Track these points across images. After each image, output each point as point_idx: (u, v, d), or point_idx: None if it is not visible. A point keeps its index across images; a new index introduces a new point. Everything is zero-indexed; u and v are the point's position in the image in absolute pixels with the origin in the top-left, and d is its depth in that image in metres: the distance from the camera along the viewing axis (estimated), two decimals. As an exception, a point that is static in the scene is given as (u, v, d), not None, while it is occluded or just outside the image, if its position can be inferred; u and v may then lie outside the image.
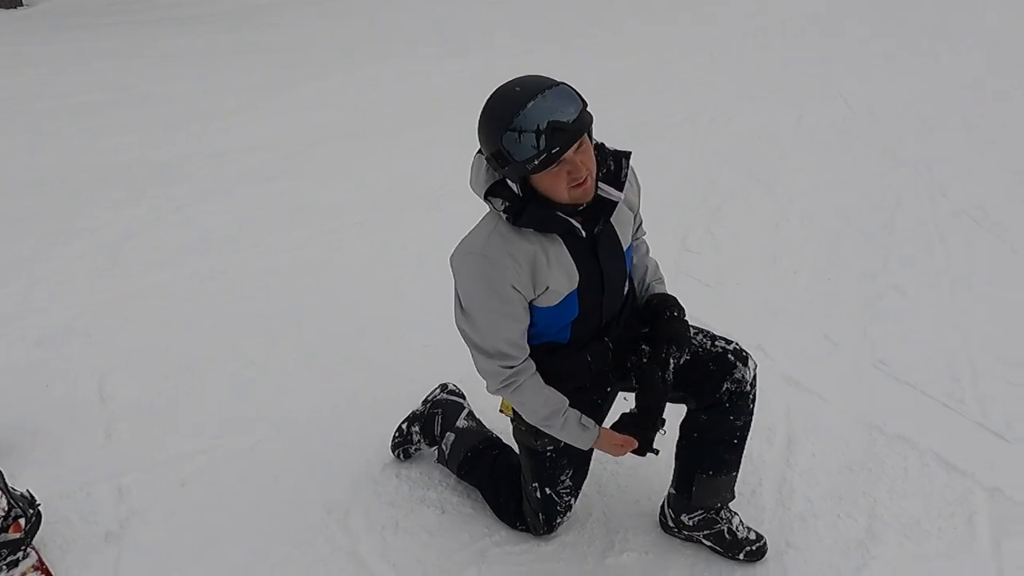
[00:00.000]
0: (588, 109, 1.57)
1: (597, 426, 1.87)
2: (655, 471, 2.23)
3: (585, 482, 2.08)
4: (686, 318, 1.88)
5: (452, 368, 2.61)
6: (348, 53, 8.24)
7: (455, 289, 1.76)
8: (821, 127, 5.22)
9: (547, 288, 1.72)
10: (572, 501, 2.06)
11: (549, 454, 1.97)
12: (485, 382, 1.84)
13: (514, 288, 1.68)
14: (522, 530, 2.11)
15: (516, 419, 1.98)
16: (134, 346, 3.11)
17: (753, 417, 1.94)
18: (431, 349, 2.93)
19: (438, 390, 2.47)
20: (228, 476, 2.40)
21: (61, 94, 7.04)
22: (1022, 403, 2.48)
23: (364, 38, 8.89)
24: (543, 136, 1.49)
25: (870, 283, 3.31)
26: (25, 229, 4.24)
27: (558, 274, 1.72)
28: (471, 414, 2.37)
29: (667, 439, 1.89)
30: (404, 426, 2.41)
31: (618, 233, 1.79)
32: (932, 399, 2.53)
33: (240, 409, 2.69)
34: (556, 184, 1.59)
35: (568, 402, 1.83)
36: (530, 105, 1.49)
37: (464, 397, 2.45)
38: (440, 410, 2.37)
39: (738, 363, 1.87)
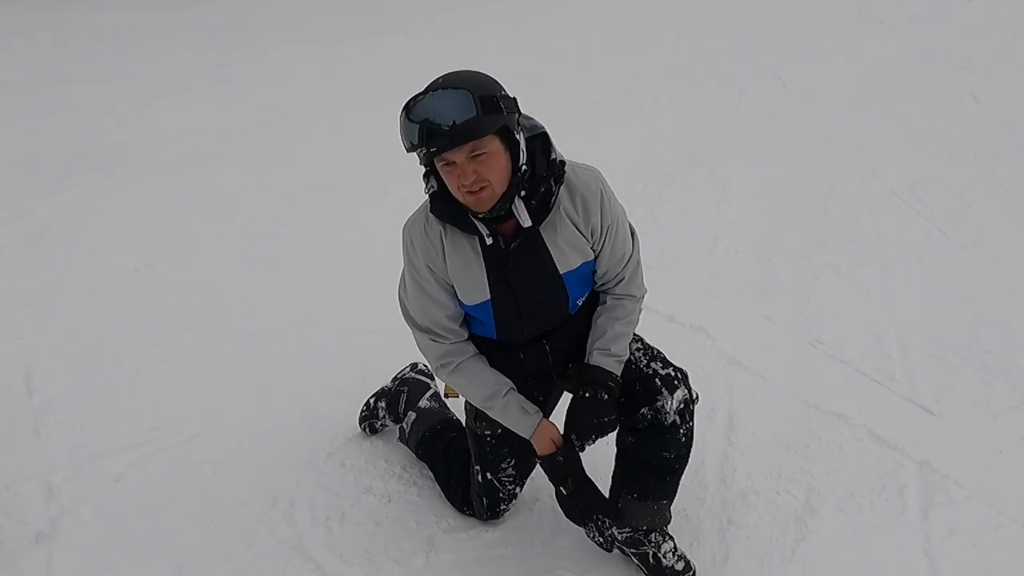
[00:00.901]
0: (502, 117, 1.53)
1: (538, 413, 1.83)
2: (603, 457, 2.25)
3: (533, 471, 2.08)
4: (606, 397, 1.75)
5: (397, 355, 2.58)
6: (287, 32, 8.03)
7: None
8: (760, 110, 5.32)
9: (454, 283, 1.74)
10: (516, 490, 2.05)
11: (488, 439, 1.97)
12: (427, 361, 1.87)
13: (430, 269, 1.73)
14: (469, 514, 2.11)
15: (441, 405, 1.98)
16: (61, 339, 2.98)
17: (690, 452, 1.84)
18: (376, 335, 2.89)
19: (408, 368, 2.47)
20: (165, 470, 2.33)
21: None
22: (948, 378, 2.59)
23: (303, 17, 8.67)
24: (422, 133, 1.50)
25: (807, 263, 3.40)
26: (-60, 217, 4.02)
27: (463, 277, 1.73)
28: (436, 395, 2.36)
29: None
30: (371, 400, 2.42)
31: (551, 253, 1.72)
32: (865, 376, 2.62)
33: (176, 401, 2.62)
34: (451, 184, 1.60)
35: (511, 386, 1.82)
36: (423, 99, 1.52)
37: (432, 378, 2.44)
38: (406, 388, 2.37)
39: (664, 390, 1.77)
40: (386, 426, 2.42)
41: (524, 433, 1.81)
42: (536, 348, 1.87)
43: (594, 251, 1.78)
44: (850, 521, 2.04)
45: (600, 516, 1.86)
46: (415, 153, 1.56)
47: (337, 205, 4.07)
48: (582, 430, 1.76)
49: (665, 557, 1.87)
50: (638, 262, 1.87)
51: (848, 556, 1.94)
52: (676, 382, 1.80)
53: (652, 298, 2.90)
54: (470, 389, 1.84)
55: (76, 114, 5.61)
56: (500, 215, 1.65)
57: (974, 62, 5.99)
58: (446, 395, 2.09)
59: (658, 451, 1.80)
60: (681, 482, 1.87)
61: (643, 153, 4.62)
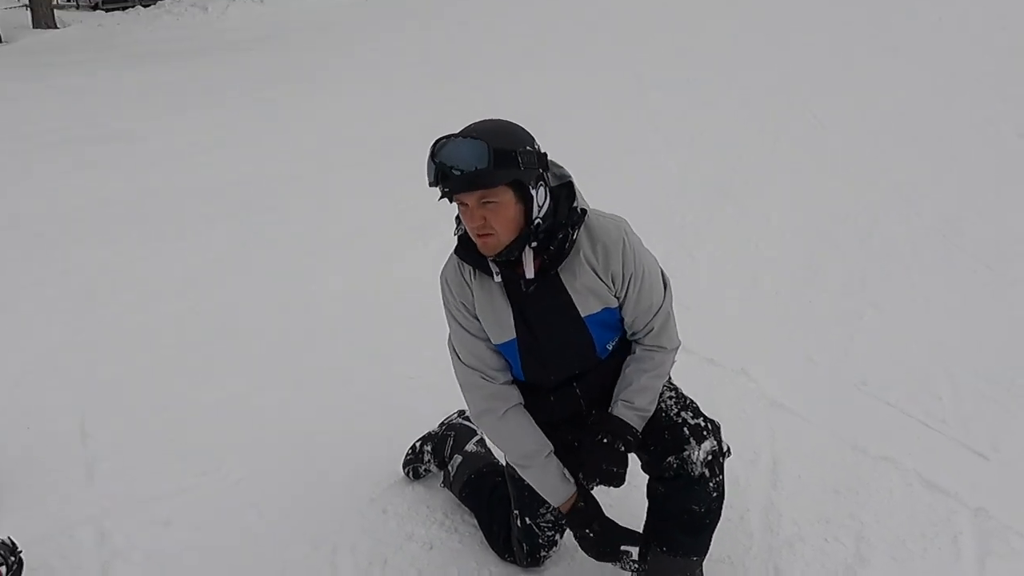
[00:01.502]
0: (515, 172, 1.61)
1: (574, 484, 1.84)
2: (636, 504, 2.23)
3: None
4: (622, 449, 1.76)
5: (439, 401, 2.61)
6: (330, 85, 8.28)
7: None
8: (795, 146, 5.31)
9: (480, 321, 1.81)
10: (556, 536, 2.03)
11: (525, 482, 1.95)
12: (468, 407, 1.92)
13: (465, 307, 1.84)
14: (510, 561, 2.10)
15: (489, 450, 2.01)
16: (115, 384, 3.07)
17: (721, 507, 1.79)
18: (416, 381, 2.92)
19: (455, 414, 2.51)
20: (212, 513, 2.37)
21: (36, 132, 6.99)
22: (1003, 421, 2.51)
23: (346, 71, 8.94)
24: (437, 174, 1.61)
25: (849, 302, 3.35)
26: None
27: (489, 315, 1.80)
28: (482, 441, 2.37)
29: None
30: (417, 444, 2.45)
31: (572, 297, 1.76)
32: (913, 418, 2.56)
33: (223, 445, 2.67)
34: (465, 223, 1.70)
35: (551, 448, 1.84)
36: (446, 144, 1.62)
37: None
38: (453, 433, 2.40)
39: (692, 439, 1.75)
40: (430, 471, 2.43)
41: (556, 501, 1.85)
42: (566, 391, 1.89)
43: (617, 298, 1.80)
44: (902, 569, 1.98)
45: (628, 549, 1.87)
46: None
47: (379, 251, 4.15)
48: (590, 472, 1.78)
49: None
50: (668, 313, 1.86)
51: (901, 606, 1.88)
52: (705, 432, 1.78)
53: (691, 340, 2.91)
54: (511, 442, 1.86)
55: (122, 170, 5.83)
56: (511, 260, 1.72)
57: (1013, 93, 5.91)
58: None
59: (687, 503, 1.76)
60: (715, 537, 1.84)
61: (679, 192, 4.63)
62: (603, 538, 1.83)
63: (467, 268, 1.81)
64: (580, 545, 1.88)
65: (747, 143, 5.42)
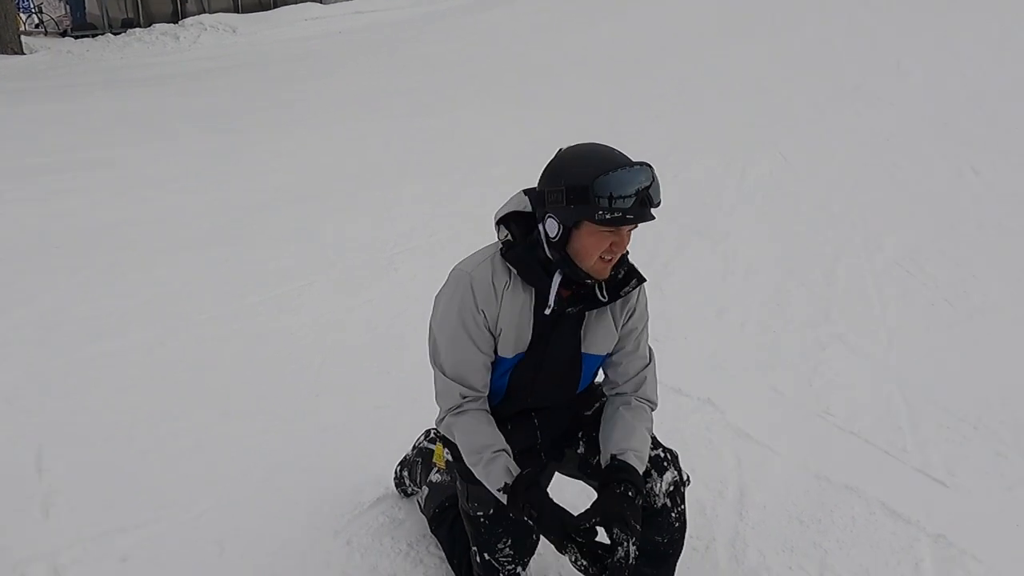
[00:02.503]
0: None
1: (519, 477, 1.75)
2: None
3: (537, 549, 2.05)
4: (639, 503, 1.70)
5: (406, 430, 2.59)
6: (299, 117, 8.30)
7: (438, 296, 1.81)
8: (762, 183, 5.43)
9: (501, 332, 1.76)
10: (518, 569, 1.99)
11: (482, 520, 1.93)
12: (438, 408, 1.85)
13: (484, 314, 1.73)
14: (476, 594, 2.07)
15: (453, 479, 1.95)
16: (73, 417, 3.00)
17: (684, 537, 1.81)
18: (384, 411, 2.90)
19: (422, 437, 2.47)
20: (171, 549, 2.31)
21: (2, 158, 6.91)
22: (960, 449, 2.56)
23: (314, 102, 8.97)
24: (630, 198, 1.57)
25: (813, 333, 3.41)
26: (-40, 297, 4.10)
27: (511, 327, 1.75)
28: (442, 470, 2.34)
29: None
30: (397, 469, 2.46)
31: (585, 334, 1.80)
32: (876, 447, 2.60)
33: (185, 479, 2.61)
34: (594, 247, 1.65)
35: (507, 448, 1.78)
36: (635, 168, 1.60)
37: None
38: (420, 459, 2.38)
39: (653, 471, 1.77)
40: (416, 491, 2.41)
41: (497, 481, 1.75)
42: (526, 424, 1.89)
43: (615, 348, 1.86)
44: (866, 598, 1.99)
45: (578, 538, 1.69)
46: (592, 209, 1.58)
47: (346, 282, 4.14)
48: (612, 518, 1.64)
49: None
50: (655, 368, 1.92)
51: (865, 635, 1.89)
52: (666, 463, 1.79)
53: (659, 370, 2.94)
54: (468, 436, 1.80)
55: (93, 197, 5.76)
56: (586, 283, 1.71)
57: (971, 135, 6.12)
58: (434, 461, 2.09)
59: (650, 535, 1.77)
60: (681, 567, 1.84)
61: (646, 227, 4.69)
62: (545, 521, 1.72)
63: (503, 278, 1.74)
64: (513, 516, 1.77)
65: (715, 179, 5.53)
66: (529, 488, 1.71)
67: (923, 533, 2.19)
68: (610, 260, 1.67)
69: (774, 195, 5.20)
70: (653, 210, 1.62)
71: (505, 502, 1.74)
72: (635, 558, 1.63)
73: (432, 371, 1.84)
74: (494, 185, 5.45)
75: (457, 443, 1.84)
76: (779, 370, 3.13)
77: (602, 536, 1.66)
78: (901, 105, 7.08)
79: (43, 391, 3.19)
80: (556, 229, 1.67)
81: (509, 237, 1.74)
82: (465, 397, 1.80)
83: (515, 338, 1.77)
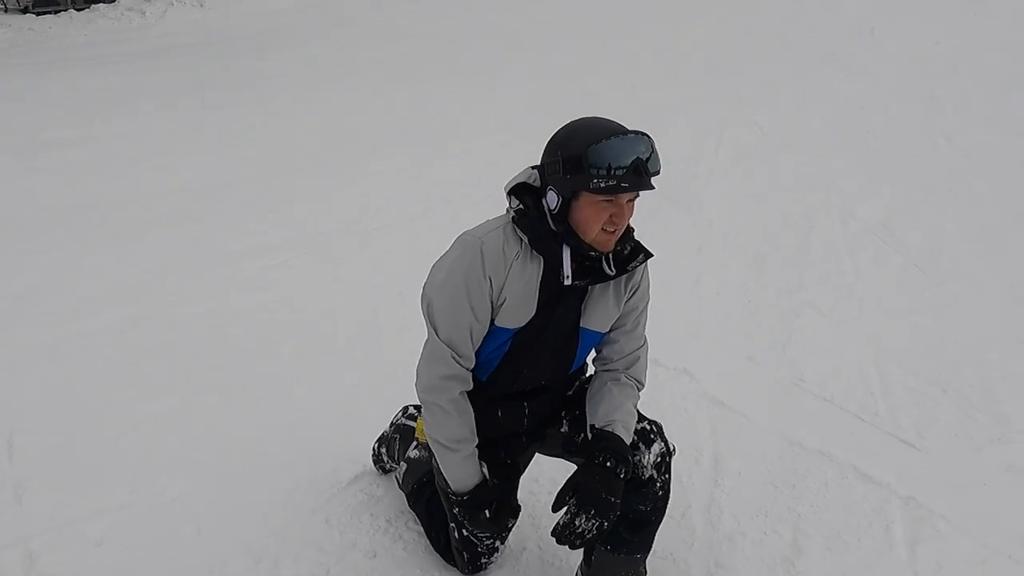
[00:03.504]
0: None
1: (483, 477, 1.86)
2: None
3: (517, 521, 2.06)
4: (622, 476, 1.68)
5: (382, 407, 2.58)
6: (268, 92, 8.15)
7: (440, 262, 1.79)
8: (737, 153, 5.43)
9: (505, 301, 1.74)
10: (496, 543, 2.02)
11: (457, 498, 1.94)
12: (418, 378, 1.83)
13: (490, 281, 1.72)
14: (454, 566, 2.08)
15: (430, 455, 1.97)
16: (44, 401, 2.95)
17: (667, 505, 1.82)
18: (360, 388, 2.89)
19: (399, 413, 2.46)
20: (148, 531, 2.30)
21: (-37, 138, 6.73)
22: (930, 413, 2.61)
23: (284, 77, 8.81)
24: (626, 167, 1.57)
25: (787, 302, 3.44)
26: (-77, 282, 4.01)
27: (518, 296, 1.74)
28: (422, 446, 2.34)
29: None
30: (375, 446, 2.45)
31: (584, 308, 1.79)
32: (848, 413, 2.63)
33: (159, 461, 2.59)
34: (594, 217, 1.65)
35: (475, 445, 1.83)
36: (630, 137, 1.60)
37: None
38: (398, 436, 2.37)
39: (640, 444, 1.77)
40: (394, 467, 2.41)
41: (462, 485, 1.85)
42: (515, 407, 1.89)
43: (614, 325, 1.86)
44: (838, 560, 2.03)
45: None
46: (587, 178, 1.59)
47: (320, 259, 4.10)
48: (586, 500, 1.64)
49: None
50: (647, 353, 1.93)
51: (837, 596, 1.93)
52: (652, 435, 1.80)
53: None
54: (453, 421, 1.80)
55: (62, 176, 5.64)
56: (591, 256, 1.70)
57: (944, 102, 6.16)
58: (416, 437, 2.09)
59: (634, 504, 1.78)
60: (658, 534, 1.86)
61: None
62: (497, 516, 1.87)
63: (514, 247, 1.73)
64: (473, 525, 1.91)
65: (690, 149, 5.52)
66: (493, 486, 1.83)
67: (894, 495, 2.23)
68: (612, 232, 1.67)
69: (750, 164, 5.21)
70: (654, 179, 1.62)
71: (462, 503, 1.84)
72: (594, 535, 1.65)
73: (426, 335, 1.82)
74: (468, 157, 5.41)
75: (433, 427, 1.83)
76: (754, 338, 3.15)
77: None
78: (875, 72, 7.10)
79: (13, 374, 3.14)
80: (556, 201, 1.67)
81: (521, 207, 1.73)
82: (456, 364, 1.77)
83: (519, 308, 1.76)
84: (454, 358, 1.78)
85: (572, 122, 1.70)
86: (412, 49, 9.63)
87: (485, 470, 1.88)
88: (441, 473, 1.91)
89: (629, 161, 1.58)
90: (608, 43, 9.12)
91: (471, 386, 1.84)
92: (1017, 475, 2.33)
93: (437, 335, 1.78)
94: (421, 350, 1.85)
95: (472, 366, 1.83)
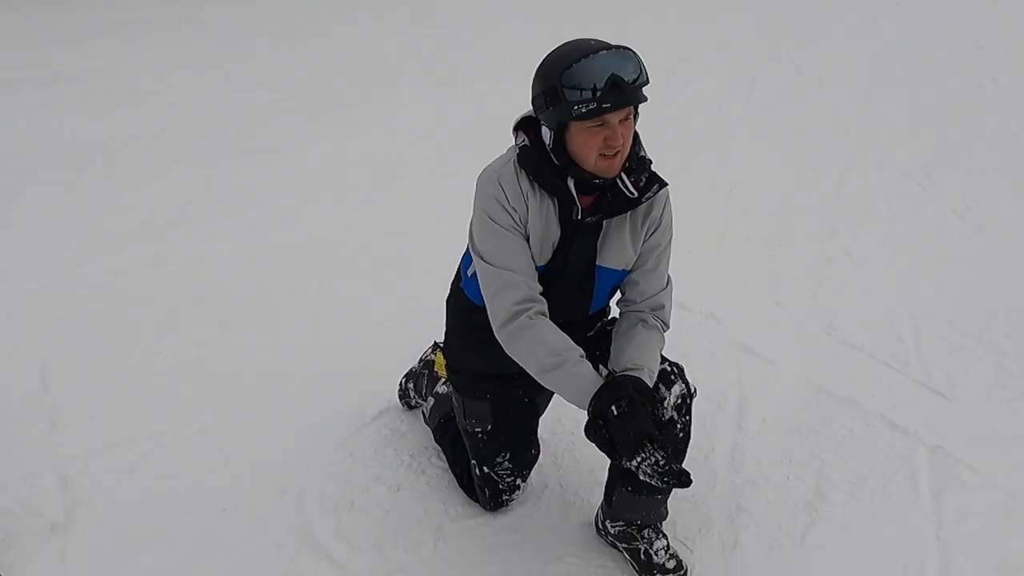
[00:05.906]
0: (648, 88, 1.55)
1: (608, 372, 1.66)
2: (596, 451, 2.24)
3: (537, 461, 2.07)
4: (638, 409, 1.54)
5: (407, 344, 2.59)
6: (292, 26, 8.03)
7: (474, 203, 1.74)
8: (772, 95, 5.27)
9: (528, 237, 1.70)
10: (517, 481, 2.02)
11: (480, 435, 1.95)
12: (493, 318, 1.71)
13: (515, 211, 1.68)
14: (476, 501, 2.11)
15: (450, 393, 1.93)
16: (75, 334, 3.00)
17: (687, 446, 1.79)
18: (384, 326, 2.90)
19: (429, 350, 2.46)
20: (177, 461, 2.35)
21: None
22: (962, 363, 2.55)
23: (308, 10, 8.67)
24: (602, 87, 1.49)
25: (819, 248, 3.37)
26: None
27: (539, 234, 1.69)
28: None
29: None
30: (402, 381, 2.46)
31: (600, 244, 1.72)
32: (878, 361, 2.59)
33: (188, 393, 2.63)
34: (589, 144, 1.58)
35: (582, 351, 1.67)
36: (601, 54, 1.50)
37: None
38: (427, 371, 2.37)
39: (661, 385, 1.72)
40: (420, 403, 2.43)
41: (587, 393, 1.60)
42: None
43: (635, 265, 1.79)
44: (861, 506, 2.02)
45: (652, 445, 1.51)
46: (568, 106, 1.51)
47: (345, 198, 4.08)
48: (630, 443, 1.50)
49: (657, 554, 1.84)
50: (671, 294, 1.85)
51: (858, 541, 1.92)
52: (673, 377, 1.77)
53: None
54: (542, 344, 1.65)
55: (86, 111, 5.65)
56: (599, 184, 1.64)
57: (990, 40, 5.89)
58: (436, 370, 2.08)
59: None
60: None
61: (654, 141, 4.56)
62: (627, 420, 1.54)
63: (525, 182, 1.68)
64: (596, 439, 1.58)
65: (724, 90, 5.36)
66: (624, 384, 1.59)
67: (921, 444, 2.20)
68: (613, 156, 1.59)
69: (784, 107, 5.05)
70: (634, 82, 1.51)
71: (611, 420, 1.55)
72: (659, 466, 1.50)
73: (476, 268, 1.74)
74: (493, 96, 5.31)
75: (526, 357, 1.69)
76: (783, 285, 3.10)
77: None
78: (917, 11, 6.80)
79: (43, 309, 3.19)
80: (549, 135, 1.62)
81: (526, 142, 1.67)
82: (522, 286, 1.67)
83: (541, 243, 1.71)
84: (517, 279, 1.68)
85: (552, 50, 1.61)
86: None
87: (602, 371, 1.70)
88: (463, 411, 1.91)
89: (604, 79, 1.48)
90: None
91: (546, 306, 1.73)
92: (1049, 427, 2.29)
93: (490, 264, 1.70)
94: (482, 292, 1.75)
95: (537, 283, 1.73)
